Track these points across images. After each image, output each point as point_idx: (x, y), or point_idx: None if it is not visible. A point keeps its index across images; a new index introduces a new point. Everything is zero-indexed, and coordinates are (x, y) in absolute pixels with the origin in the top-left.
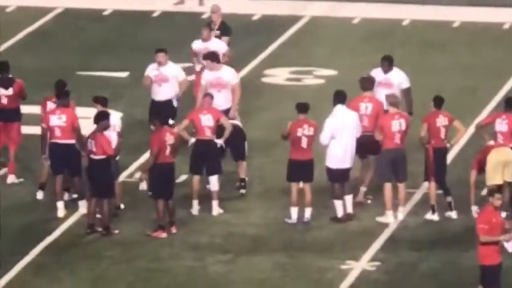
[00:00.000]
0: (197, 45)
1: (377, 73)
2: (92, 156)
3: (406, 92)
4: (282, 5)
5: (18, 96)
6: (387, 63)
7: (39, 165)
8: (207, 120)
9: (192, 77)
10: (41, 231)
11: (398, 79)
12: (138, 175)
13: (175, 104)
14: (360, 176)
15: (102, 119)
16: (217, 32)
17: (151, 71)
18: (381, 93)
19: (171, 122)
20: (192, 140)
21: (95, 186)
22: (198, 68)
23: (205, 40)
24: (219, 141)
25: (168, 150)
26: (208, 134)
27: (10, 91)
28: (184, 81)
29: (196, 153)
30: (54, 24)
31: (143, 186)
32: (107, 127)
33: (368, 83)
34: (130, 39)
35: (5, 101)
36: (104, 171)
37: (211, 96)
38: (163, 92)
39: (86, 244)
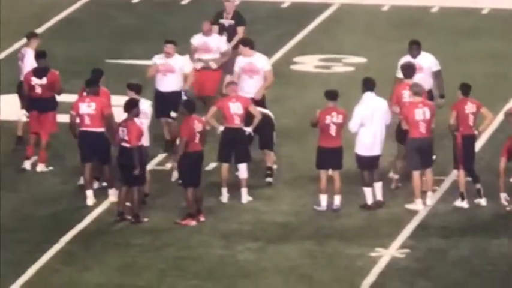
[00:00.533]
0: (197, 39)
1: (406, 59)
2: (124, 144)
3: (437, 75)
4: None
5: (52, 86)
6: (415, 47)
7: (70, 153)
8: (236, 108)
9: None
10: (70, 219)
11: (428, 62)
12: (169, 165)
13: (184, 97)
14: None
15: (132, 107)
16: (232, 22)
17: (158, 60)
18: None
19: (173, 114)
20: (221, 127)
21: (126, 174)
22: (198, 66)
23: (206, 34)
24: (248, 129)
25: (197, 138)
26: (237, 122)
27: (44, 80)
28: (191, 74)
29: (224, 141)
30: (83, 12)
31: (175, 175)
32: (137, 114)
33: (410, 70)
34: (159, 27)
35: (39, 90)
36: (132, 159)
37: (236, 84)
38: (168, 83)
39: (115, 232)
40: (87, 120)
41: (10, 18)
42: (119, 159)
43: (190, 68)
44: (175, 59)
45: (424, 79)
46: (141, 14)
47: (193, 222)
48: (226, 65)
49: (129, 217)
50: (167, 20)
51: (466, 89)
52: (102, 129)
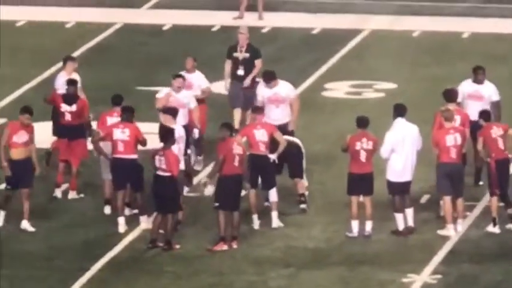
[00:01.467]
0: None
1: (467, 85)
2: (160, 173)
3: (496, 105)
4: (342, 19)
5: (82, 114)
6: (482, 72)
7: (100, 180)
8: (261, 135)
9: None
10: (102, 246)
11: (488, 91)
12: (203, 180)
13: (196, 135)
14: None
15: (170, 137)
16: (246, 55)
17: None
18: (470, 105)
19: (196, 134)
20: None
21: (161, 202)
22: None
23: (188, 71)
24: (272, 156)
25: (236, 160)
26: (262, 149)
27: (74, 108)
28: (196, 110)
29: (250, 168)
30: (113, 40)
31: (207, 191)
32: (174, 143)
33: (452, 94)
34: (189, 54)
35: (68, 117)
36: (171, 187)
37: (262, 111)
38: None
39: (147, 259)
40: (120, 147)
41: (41, 46)
42: (156, 188)
43: (195, 103)
44: (184, 93)
45: (481, 107)
46: (172, 41)
47: (225, 247)
48: (239, 99)
49: (161, 244)
50: (197, 47)
51: (486, 116)
52: (135, 156)
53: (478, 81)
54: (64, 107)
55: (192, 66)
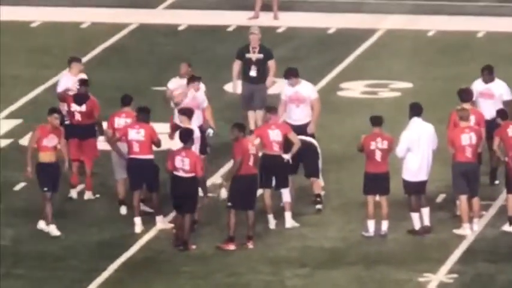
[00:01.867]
0: (174, 83)
1: (478, 84)
2: (181, 174)
3: (507, 104)
4: (357, 18)
5: (92, 114)
6: (487, 73)
7: (115, 181)
8: (275, 135)
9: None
10: (118, 247)
11: (499, 90)
12: (219, 181)
13: (210, 135)
14: None
15: (190, 136)
16: (260, 56)
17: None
18: (482, 104)
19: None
20: (260, 153)
21: (181, 202)
22: (177, 119)
23: (182, 76)
24: (286, 156)
25: (251, 160)
26: (276, 149)
27: (83, 108)
28: (208, 109)
29: (263, 168)
30: (129, 40)
31: (223, 194)
32: (193, 143)
33: (467, 94)
34: (205, 54)
35: (78, 117)
36: (192, 188)
37: (276, 111)
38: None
39: (163, 260)
40: (136, 148)
41: (56, 47)
42: (176, 189)
43: (207, 103)
44: (200, 93)
45: (493, 106)
46: (187, 41)
47: (232, 247)
48: (252, 100)
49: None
50: (213, 47)
51: (503, 114)
52: (151, 156)
53: (486, 80)
54: (74, 107)
55: (186, 72)
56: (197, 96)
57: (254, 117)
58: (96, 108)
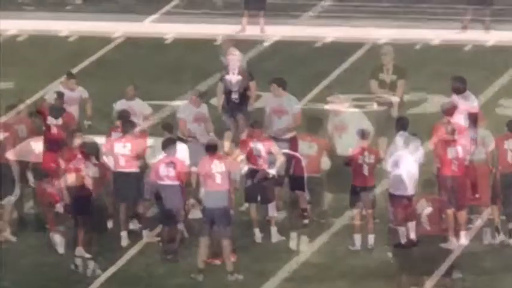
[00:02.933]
0: (120, 105)
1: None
2: (167, 182)
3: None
4: (344, 32)
5: (68, 127)
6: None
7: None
8: (258, 150)
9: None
10: (104, 260)
11: (467, 103)
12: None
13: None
14: None
15: (170, 144)
16: (239, 77)
17: (185, 112)
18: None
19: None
20: (245, 168)
21: (168, 213)
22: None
23: (129, 99)
24: (271, 171)
25: (218, 178)
26: (260, 163)
27: (60, 121)
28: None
29: (249, 182)
30: (115, 53)
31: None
32: (175, 152)
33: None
34: (192, 67)
35: (54, 130)
36: (177, 196)
37: (260, 126)
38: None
39: (150, 273)
40: (122, 161)
41: (43, 60)
42: (162, 198)
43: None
44: (204, 107)
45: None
46: (174, 54)
47: (218, 262)
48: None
49: (169, 257)
50: (200, 60)
51: (511, 126)
52: (136, 170)
53: (456, 93)
54: (50, 120)
55: (133, 94)
56: (200, 110)
57: (229, 138)
58: (73, 121)
